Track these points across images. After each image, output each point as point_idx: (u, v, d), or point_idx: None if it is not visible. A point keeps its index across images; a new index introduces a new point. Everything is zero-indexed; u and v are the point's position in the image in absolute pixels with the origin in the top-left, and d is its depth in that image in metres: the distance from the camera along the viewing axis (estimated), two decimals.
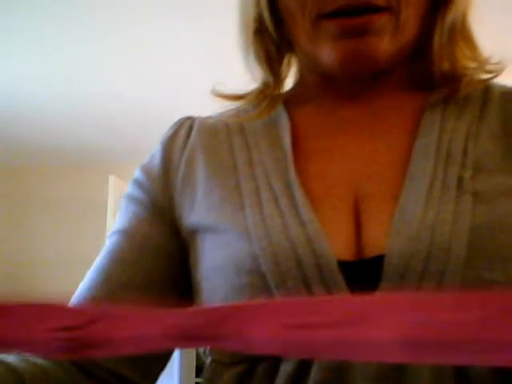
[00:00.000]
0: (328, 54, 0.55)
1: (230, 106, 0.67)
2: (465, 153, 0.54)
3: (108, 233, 0.65)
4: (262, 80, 0.64)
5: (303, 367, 0.48)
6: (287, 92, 0.67)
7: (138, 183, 0.64)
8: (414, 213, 0.50)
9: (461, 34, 0.59)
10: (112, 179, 3.58)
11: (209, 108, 0.67)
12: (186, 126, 0.66)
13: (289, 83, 0.67)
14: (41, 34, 2.45)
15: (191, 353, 3.49)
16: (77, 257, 3.32)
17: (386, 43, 0.55)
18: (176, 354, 3.21)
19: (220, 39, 2.12)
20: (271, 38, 0.62)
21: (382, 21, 0.54)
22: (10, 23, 2.37)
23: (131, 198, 0.64)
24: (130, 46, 2.55)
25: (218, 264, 0.54)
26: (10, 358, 0.51)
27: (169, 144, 0.65)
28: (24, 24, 2.38)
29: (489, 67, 0.60)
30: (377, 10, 0.53)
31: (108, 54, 2.63)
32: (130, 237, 0.61)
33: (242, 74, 0.65)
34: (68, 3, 2.25)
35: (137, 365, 0.59)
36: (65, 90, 2.96)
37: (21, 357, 0.52)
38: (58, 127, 3.38)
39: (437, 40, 0.59)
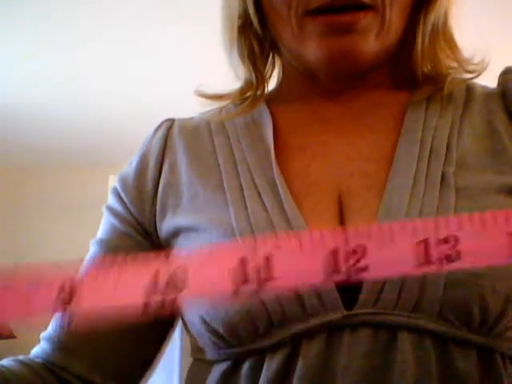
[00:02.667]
0: (313, 51, 0.56)
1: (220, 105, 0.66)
2: (448, 149, 0.55)
3: None
4: (245, 78, 0.64)
5: (288, 364, 0.48)
6: (270, 92, 0.67)
7: (115, 193, 0.65)
8: (399, 208, 0.50)
9: (442, 34, 0.60)
10: (112, 179, 3.59)
11: (209, 108, 0.67)
12: (163, 128, 0.66)
13: (271, 85, 0.67)
14: (39, 35, 2.46)
15: None
16: (76, 256, 3.31)
17: (371, 42, 0.55)
18: (176, 352, 3.22)
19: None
20: (255, 34, 0.62)
21: (368, 19, 0.54)
22: (8, 25, 2.38)
23: (109, 209, 0.64)
24: (130, 45, 2.55)
25: None
26: None
27: (146, 150, 0.65)
28: (23, 26, 2.38)
29: (470, 67, 0.61)
30: (362, 8, 0.54)
31: (108, 54, 2.63)
32: (104, 248, 0.62)
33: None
34: (65, 5, 2.25)
35: (107, 371, 0.59)
36: (65, 91, 2.96)
37: None
38: (57, 127, 3.38)
39: (419, 40, 0.59)
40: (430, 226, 0.23)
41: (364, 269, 0.23)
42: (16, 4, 2.24)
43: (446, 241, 0.23)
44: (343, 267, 0.24)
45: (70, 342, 0.59)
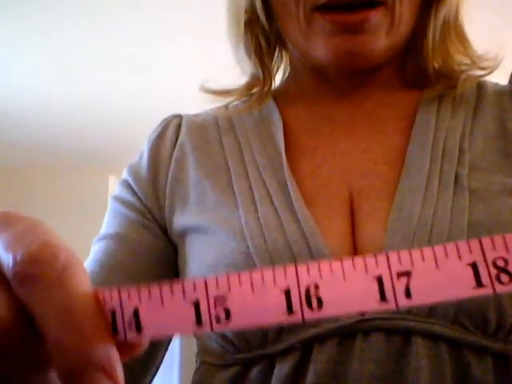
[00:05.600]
0: (321, 49, 0.54)
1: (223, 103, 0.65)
2: (461, 151, 0.54)
3: None
4: (252, 73, 0.63)
5: (299, 369, 0.47)
6: (277, 88, 0.65)
7: (126, 184, 0.62)
8: (412, 210, 0.49)
9: (454, 29, 0.59)
10: (112, 179, 3.58)
11: (209, 107, 0.66)
12: (174, 124, 0.64)
13: (278, 81, 0.66)
14: (39, 35, 2.45)
15: (191, 350, 3.49)
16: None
17: (381, 40, 0.54)
18: (176, 352, 3.21)
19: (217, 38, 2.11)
20: (262, 29, 0.61)
21: (378, 17, 0.52)
22: (8, 25, 2.37)
23: (120, 200, 0.62)
24: (131, 46, 2.55)
25: (208, 264, 0.52)
26: None
27: (156, 144, 0.63)
28: (22, 26, 2.38)
29: (483, 63, 0.59)
30: (372, 4, 0.52)
31: (108, 55, 2.63)
32: (122, 242, 0.59)
33: (237, 73, 0.65)
34: (64, 5, 2.25)
35: (126, 370, 0.56)
36: (65, 90, 2.95)
37: None
38: (57, 127, 3.37)
39: (430, 34, 0.58)
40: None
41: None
42: (12, 2, 2.23)
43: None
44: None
45: None
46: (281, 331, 0.48)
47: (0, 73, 2.77)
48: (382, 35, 0.54)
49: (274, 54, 0.64)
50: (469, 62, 0.59)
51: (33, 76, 2.81)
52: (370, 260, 0.23)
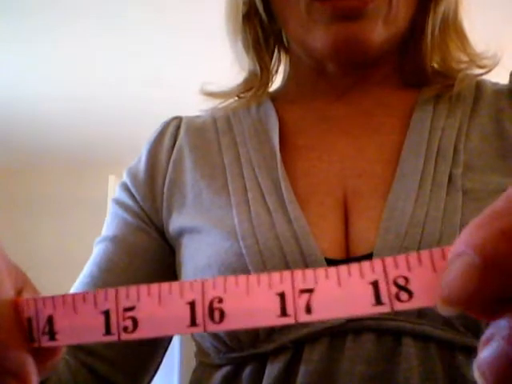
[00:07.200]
0: (320, 39, 0.54)
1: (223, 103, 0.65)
2: (456, 150, 0.53)
3: None
4: (249, 69, 0.63)
5: (290, 369, 0.47)
6: (276, 90, 0.66)
7: (124, 187, 0.63)
8: (404, 210, 0.49)
9: (453, 25, 0.59)
10: (112, 179, 3.58)
11: (208, 107, 0.66)
12: (173, 126, 0.65)
13: (277, 84, 0.66)
14: (38, 35, 2.45)
15: (191, 351, 3.49)
16: (77, 257, 3.29)
17: (379, 29, 0.54)
18: (176, 351, 3.21)
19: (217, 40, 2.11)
20: (260, 23, 0.61)
21: (375, 4, 0.53)
22: (7, 25, 2.37)
23: (119, 203, 0.63)
24: (131, 46, 2.55)
25: (202, 264, 0.53)
26: None
27: (154, 147, 0.63)
28: (21, 26, 2.38)
29: (482, 62, 0.59)
30: None
31: (108, 55, 2.63)
32: (119, 244, 0.60)
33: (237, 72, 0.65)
34: (62, 6, 2.25)
35: (126, 370, 0.58)
36: (64, 91, 2.96)
37: None
38: (57, 127, 3.37)
39: (429, 30, 0.58)
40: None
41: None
42: (16, 3, 2.24)
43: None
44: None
45: (92, 346, 0.57)
46: (272, 331, 0.48)
47: (0, 73, 2.78)
48: (379, 22, 0.54)
49: (272, 50, 0.64)
50: (467, 60, 0.59)
51: (33, 77, 2.81)
52: (275, 276, 0.24)
